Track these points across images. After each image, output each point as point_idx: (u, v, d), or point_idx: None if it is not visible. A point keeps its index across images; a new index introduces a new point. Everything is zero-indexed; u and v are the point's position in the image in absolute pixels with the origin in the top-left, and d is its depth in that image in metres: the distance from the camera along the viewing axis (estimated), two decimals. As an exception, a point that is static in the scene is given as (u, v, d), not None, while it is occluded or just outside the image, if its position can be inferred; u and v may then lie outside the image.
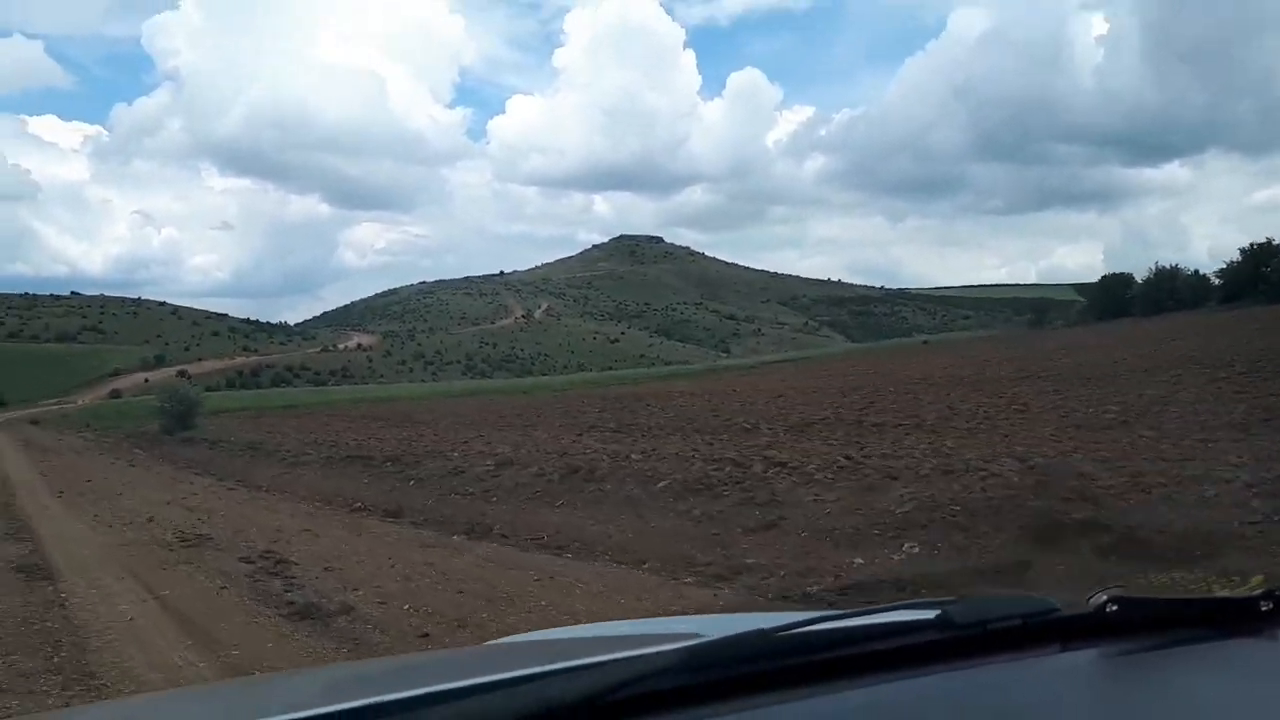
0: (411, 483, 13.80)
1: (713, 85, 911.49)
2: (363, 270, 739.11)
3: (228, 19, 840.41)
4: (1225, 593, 1.51)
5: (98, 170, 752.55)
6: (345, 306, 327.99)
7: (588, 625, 2.97)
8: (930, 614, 1.21)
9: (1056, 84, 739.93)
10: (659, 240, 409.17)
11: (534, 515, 10.47)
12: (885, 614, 1.25)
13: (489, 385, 53.90)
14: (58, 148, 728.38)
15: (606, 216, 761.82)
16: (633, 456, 13.02)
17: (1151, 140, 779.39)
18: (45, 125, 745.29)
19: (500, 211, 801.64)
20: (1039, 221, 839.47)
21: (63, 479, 17.51)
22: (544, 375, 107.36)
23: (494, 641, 2.18)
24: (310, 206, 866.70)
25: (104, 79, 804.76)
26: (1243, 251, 51.70)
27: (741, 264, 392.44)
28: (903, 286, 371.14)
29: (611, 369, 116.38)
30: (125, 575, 8.32)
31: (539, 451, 14.85)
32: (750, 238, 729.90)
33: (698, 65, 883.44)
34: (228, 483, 15.96)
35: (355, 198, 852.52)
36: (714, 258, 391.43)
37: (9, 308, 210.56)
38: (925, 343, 53.67)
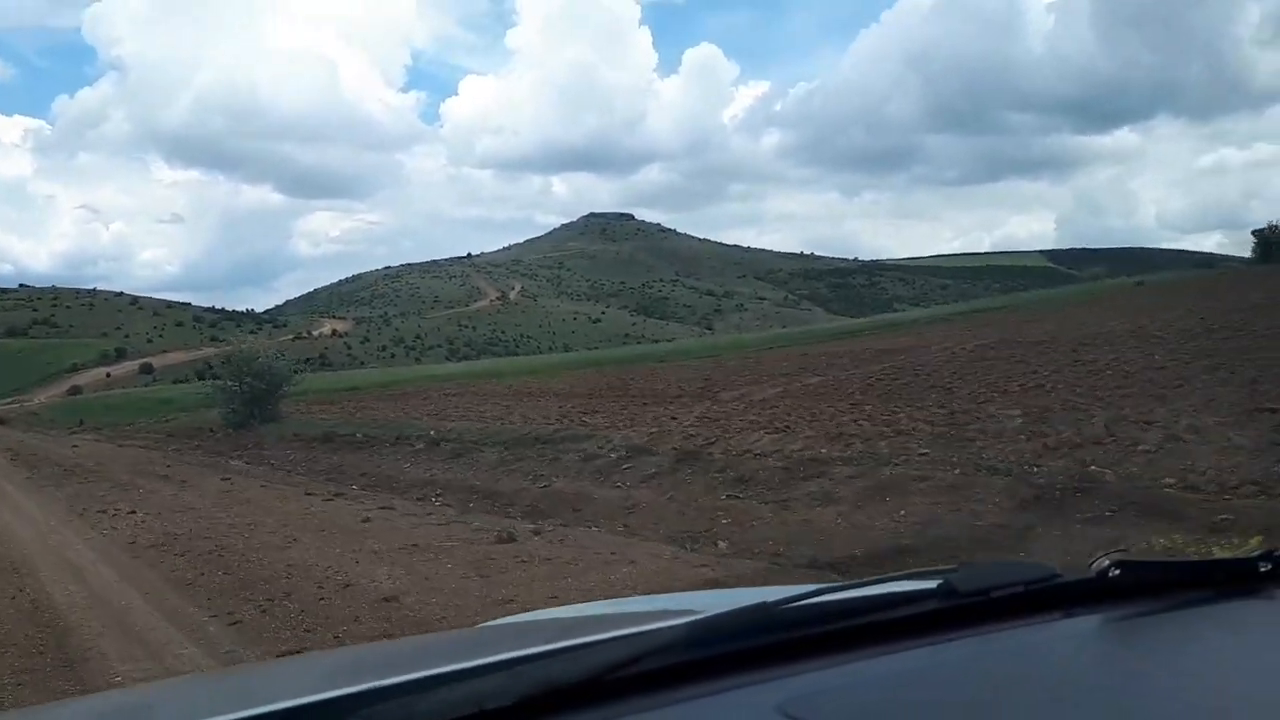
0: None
1: (669, 62, 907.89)
2: (316, 259, 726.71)
3: (172, 5, 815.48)
4: (1225, 554, 1.55)
5: (40, 165, 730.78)
6: (309, 294, 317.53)
7: (584, 604, 2.70)
8: (932, 583, 1.21)
9: (1008, 52, 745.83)
10: (629, 218, 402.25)
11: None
12: (888, 584, 1.25)
13: (568, 359, 46.21)
14: (0, 143, 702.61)
15: (564, 197, 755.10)
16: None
17: (1102, 107, 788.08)
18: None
19: (456, 195, 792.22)
20: (992, 191, 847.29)
21: (164, 542, 8.62)
22: (554, 353, 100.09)
23: (490, 623, 2.15)
24: (262, 196, 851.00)
25: (45, 70, 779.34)
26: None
27: (714, 239, 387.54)
28: (866, 258, 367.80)
29: (597, 348, 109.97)
30: None
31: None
32: (709, 216, 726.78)
33: (653, 42, 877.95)
34: (469, 513, 8.70)
35: (308, 186, 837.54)
36: (685, 234, 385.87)
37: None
38: (1140, 284, 46.69)
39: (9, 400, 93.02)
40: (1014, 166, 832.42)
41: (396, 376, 32.68)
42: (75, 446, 19.92)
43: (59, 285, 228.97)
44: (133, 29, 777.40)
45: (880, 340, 29.91)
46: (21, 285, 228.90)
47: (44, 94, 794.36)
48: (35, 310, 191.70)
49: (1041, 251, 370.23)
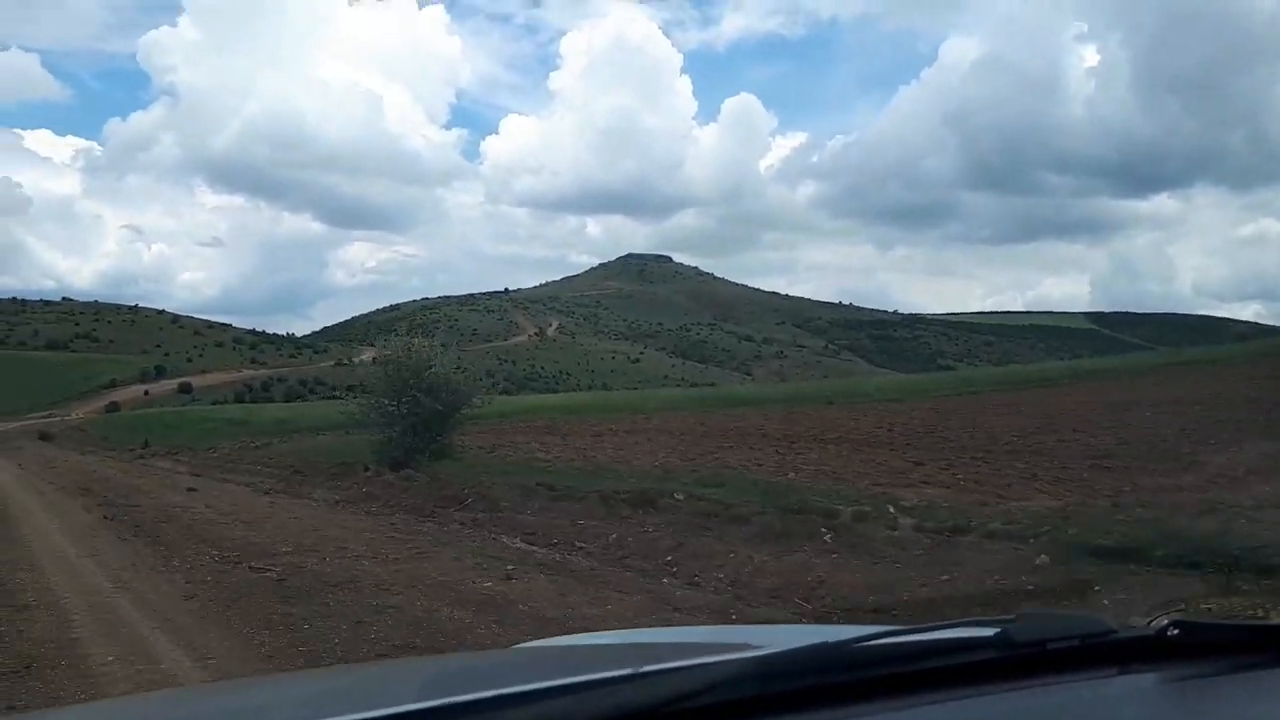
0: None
1: (708, 110, 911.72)
2: (351, 289, 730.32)
3: (225, 36, 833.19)
4: None
5: (89, 185, 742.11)
6: (346, 321, 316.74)
7: (623, 631, 2.66)
8: (989, 632, 1.21)
9: (1048, 114, 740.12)
10: (667, 260, 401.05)
11: None
12: (945, 631, 1.26)
13: (670, 398, 41.83)
14: (51, 162, 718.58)
15: (598, 238, 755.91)
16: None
17: (1141, 172, 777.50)
18: (39, 139, 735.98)
19: (492, 232, 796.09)
20: (1027, 251, 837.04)
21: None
22: (613, 391, 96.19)
23: (526, 644, 2.11)
24: (302, 224, 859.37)
25: (100, 94, 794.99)
26: None
27: (750, 285, 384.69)
28: (897, 311, 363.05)
29: (637, 389, 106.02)
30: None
31: None
32: (742, 262, 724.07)
33: (693, 90, 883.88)
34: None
35: (347, 216, 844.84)
36: (723, 279, 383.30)
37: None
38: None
39: (45, 413, 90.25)
40: (1050, 228, 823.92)
41: (504, 407, 28.17)
42: (193, 490, 13.30)
43: (101, 301, 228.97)
44: (186, 57, 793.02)
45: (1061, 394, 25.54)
46: (65, 299, 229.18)
47: (97, 116, 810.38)
48: (77, 324, 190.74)
49: (1085, 314, 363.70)
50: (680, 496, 8.49)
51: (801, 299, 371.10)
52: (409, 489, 10.73)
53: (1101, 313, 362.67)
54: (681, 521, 8.39)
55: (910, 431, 16.45)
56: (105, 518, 10.46)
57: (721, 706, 1.01)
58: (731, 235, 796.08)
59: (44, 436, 40.34)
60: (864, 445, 14.11)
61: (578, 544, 7.67)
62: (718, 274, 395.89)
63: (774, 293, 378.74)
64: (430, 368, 14.88)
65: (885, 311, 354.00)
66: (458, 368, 15.94)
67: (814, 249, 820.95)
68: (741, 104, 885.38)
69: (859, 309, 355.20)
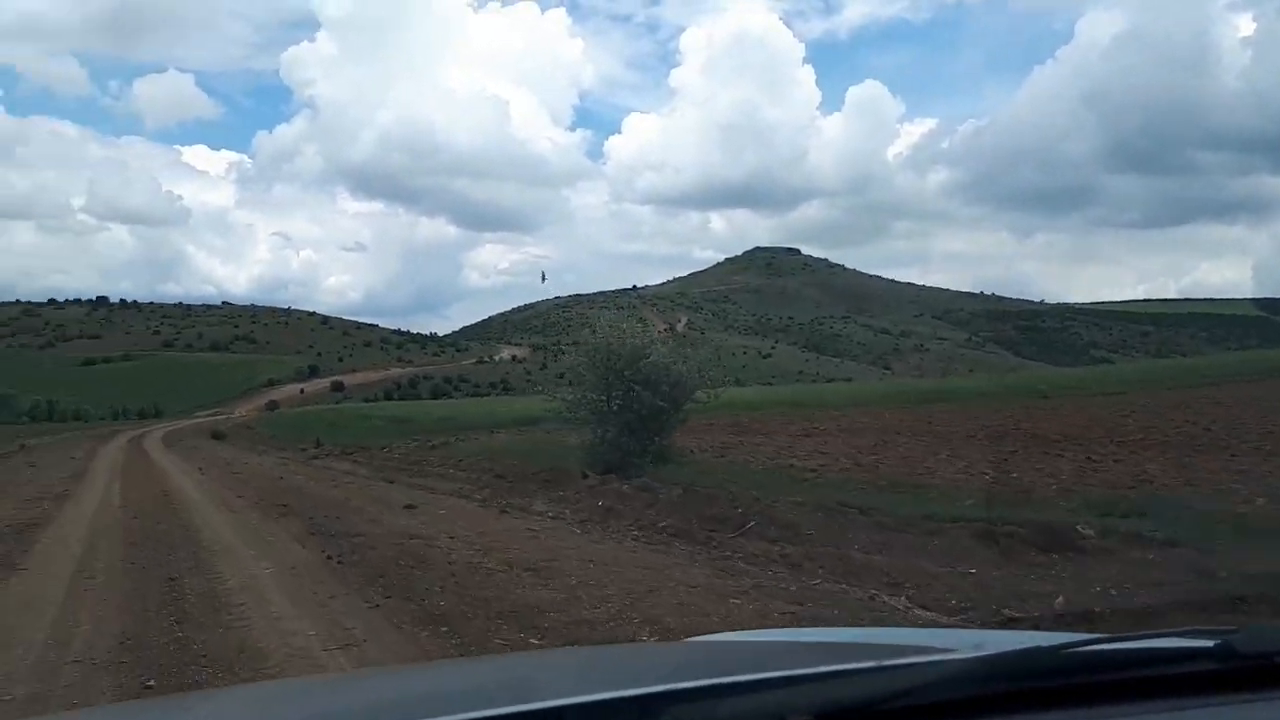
0: None
1: (832, 100, 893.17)
2: (485, 289, 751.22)
3: (360, 49, 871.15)
4: None
5: (242, 195, 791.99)
6: (483, 321, 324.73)
7: (797, 629, 2.70)
8: (1209, 642, 1.17)
9: (1198, 88, 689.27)
10: (795, 252, 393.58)
11: None
12: (1160, 640, 1.22)
13: (873, 392, 39.47)
14: (207, 175, 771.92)
15: (722, 233, 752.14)
16: None
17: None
18: (196, 154, 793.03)
19: (617, 230, 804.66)
20: (1180, 235, 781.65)
21: None
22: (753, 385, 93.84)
23: (701, 638, 2.15)
24: (438, 229, 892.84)
25: (248, 109, 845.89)
26: None
27: (883, 276, 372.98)
28: (1040, 300, 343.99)
29: (770, 383, 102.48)
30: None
31: None
32: (871, 253, 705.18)
33: (816, 80, 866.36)
34: None
35: (480, 220, 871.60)
36: (854, 270, 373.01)
37: (164, 317, 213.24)
38: None
39: (212, 412, 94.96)
40: (1204, 209, 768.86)
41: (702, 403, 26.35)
42: (411, 507, 11.03)
43: (257, 304, 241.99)
44: (324, 71, 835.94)
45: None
46: (225, 303, 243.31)
47: (247, 130, 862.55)
48: (236, 327, 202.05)
49: (1251, 300, 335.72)
50: (1089, 532, 6.31)
51: (939, 289, 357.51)
52: (655, 504, 8.92)
53: (1271, 299, 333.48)
54: (1138, 577, 5.57)
55: (1194, 430, 13.89)
56: (328, 556, 7.69)
57: (944, 705, 1.01)
58: (860, 225, 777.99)
59: (216, 435, 41.32)
60: (1170, 448, 11.73)
61: (1004, 609, 5.21)
62: (848, 265, 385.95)
63: (909, 283, 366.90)
64: (647, 355, 12.85)
65: (1030, 301, 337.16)
66: (683, 358, 13.73)
67: (948, 237, 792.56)
68: (867, 92, 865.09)
69: (1002, 299, 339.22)
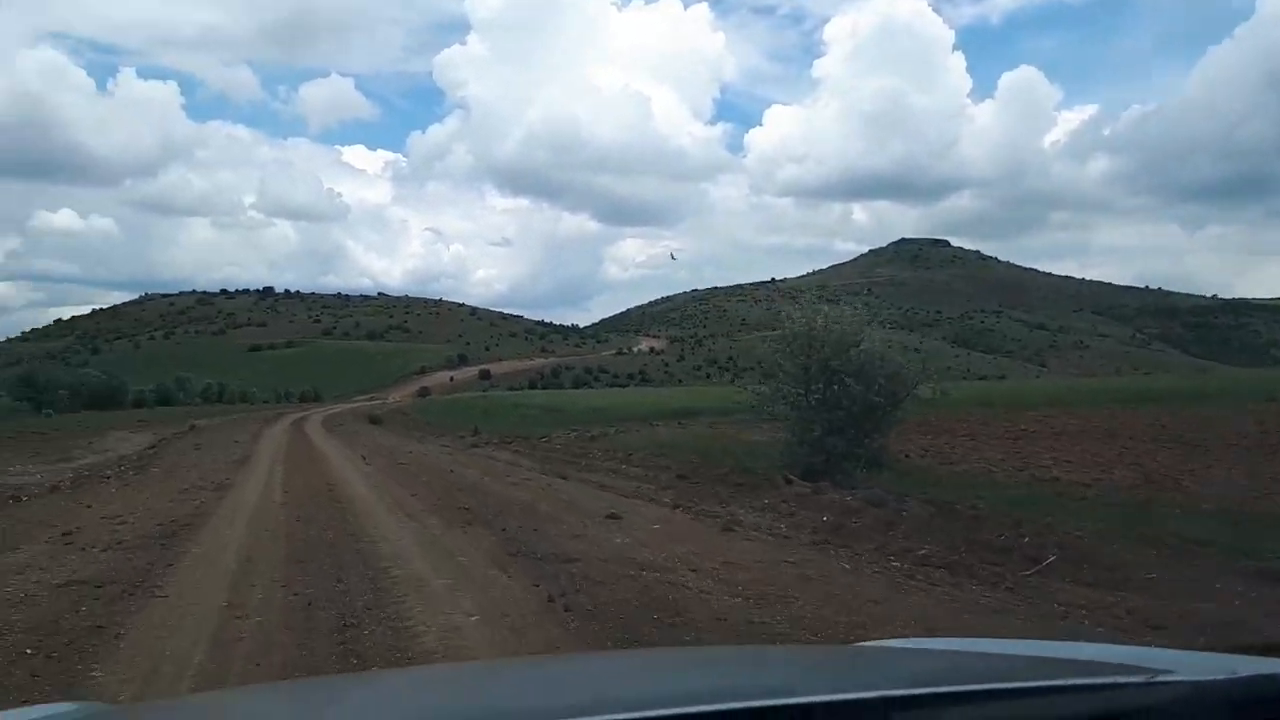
0: None
1: (984, 87, 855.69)
2: (623, 282, 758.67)
3: (508, 49, 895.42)
4: None
5: (397, 193, 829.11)
6: (622, 313, 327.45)
7: (964, 639, 2.49)
8: None
9: None
10: (944, 244, 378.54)
11: None
12: None
13: (1081, 390, 36.41)
14: (365, 174, 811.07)
15: (865, 225, 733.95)
16: None
17: None
18: (355, 154, 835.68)
19: (757, 223, 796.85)
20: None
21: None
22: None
23: (868, 644, 2.07)
24: (580, 223, 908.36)
25: (403, 110, 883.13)
26: None
27: (1038, 269, 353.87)
28: (1213, 296, 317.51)
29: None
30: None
31: None
32: (1026, 246, 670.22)
33: (967, 67, 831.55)
34: None
35: (620, 214, 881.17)
36: (1007, 262, 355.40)
37: (324, 307, 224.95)
38: None
39: (368, 397, 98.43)
40: None
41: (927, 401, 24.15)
42: (614, 516, 9.28)
43: (410, 296, 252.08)
44: (474, 72, 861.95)
45: None
46: (380, 294, 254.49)
47: (401, 131, 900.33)
48: (391, 317, 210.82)
49: None
50: None
51: (1100, 283, 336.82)
52: (897, 523, 7.08)
53: None
54: None
55: None
56: (549, 599, 5.72)
57: None
58: (1012, 217, 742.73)
59: (373, 420, 41.87)
60: None
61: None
62: (1001, 258, 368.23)
63: (1066, 277, 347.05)
64: (858, 342, 11.20)
65: (1202, 296, 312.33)
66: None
67: (1109, 229, 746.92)
68: (1021, 78, 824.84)
69: (1169, 294, 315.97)
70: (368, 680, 2.70)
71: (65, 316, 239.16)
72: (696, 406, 31.57)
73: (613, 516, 9.30)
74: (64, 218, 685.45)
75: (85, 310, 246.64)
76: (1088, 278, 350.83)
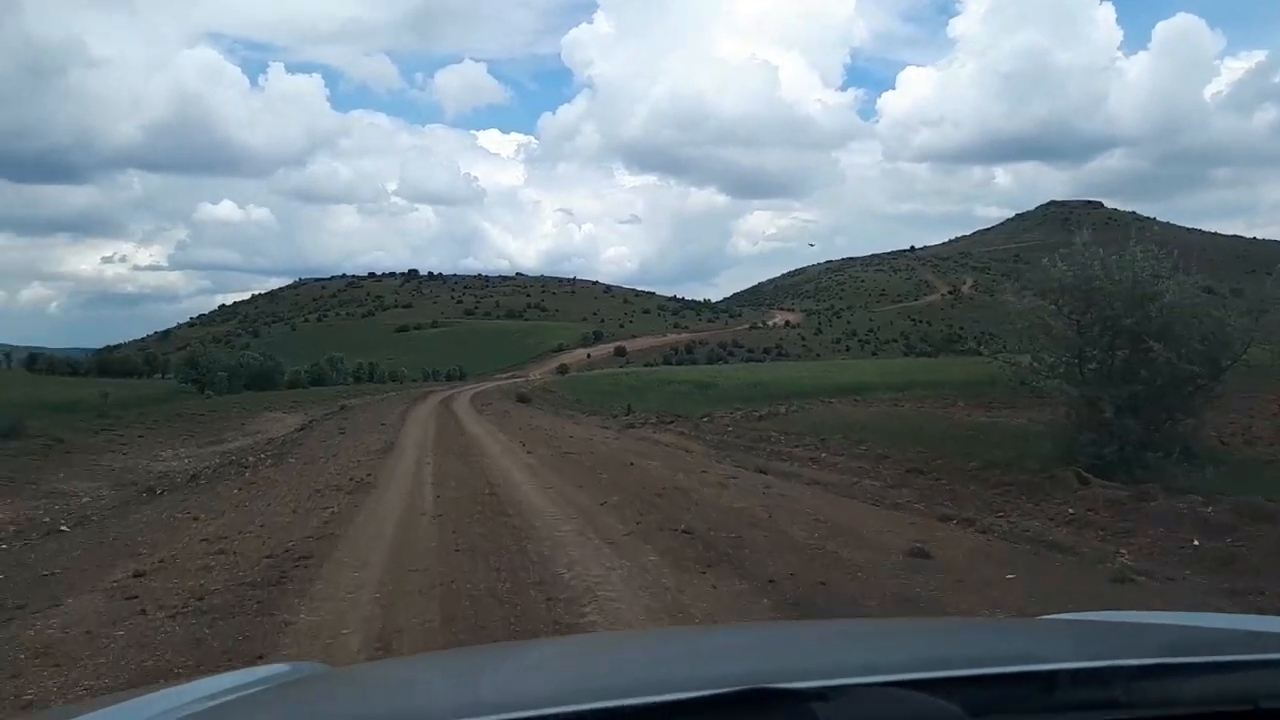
0: None
1: (1136, 39, 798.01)
2: (753, 256, 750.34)
3: (634, 25, 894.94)
4: None
5: (529, 174, 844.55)
6: (753, 287, 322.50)
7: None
8: None
9: None
10: (1098, 206, 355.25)
11: None
12: None
13: None
14: (499, 157, 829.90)
15: (1007, 188, 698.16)
16: None
17: None
18: (489, 138, 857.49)
19: (891, 190, 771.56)
20: None
21: None
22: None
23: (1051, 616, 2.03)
24: (708, 198, 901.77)
25: (533, 92, 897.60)
26: None
27: (1203, 229, 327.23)
28: None
29: None
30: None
31: None
32: (1186, 205, 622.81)
33: (1116, 19, 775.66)
34: None
35: (748, 187, 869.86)
36: (1168, 223, 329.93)
37: (465, 288, 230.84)
38: None
39: (509, 374, 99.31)
40: None
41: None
42: (923, 555, 6.19)
43: (546, 275, 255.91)
44: (600, 51, 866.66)
45: None
46: (518, 274, 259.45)
47: (532, 113, 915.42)
48: (528, 296, 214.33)
49: None
50: None
51: (1272, 242, 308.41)
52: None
53: None
54: None
55: None
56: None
57: None
58: (1170, 175, 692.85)
59: (521, 399, 40.82)
60: None
61: None
62: (1160, 219, 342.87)
63: (1234, 236, 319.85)
64: (1160, 295, 8.61)
65: None
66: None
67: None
68: (1178, 26, 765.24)
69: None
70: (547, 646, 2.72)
71: (229, 302, 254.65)
72: (868, 381, 28.94)
73: (920, 554, 6.18)
74: (225, 209, 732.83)
75: (245, 296, 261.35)
76: (1259, 236, 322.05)
